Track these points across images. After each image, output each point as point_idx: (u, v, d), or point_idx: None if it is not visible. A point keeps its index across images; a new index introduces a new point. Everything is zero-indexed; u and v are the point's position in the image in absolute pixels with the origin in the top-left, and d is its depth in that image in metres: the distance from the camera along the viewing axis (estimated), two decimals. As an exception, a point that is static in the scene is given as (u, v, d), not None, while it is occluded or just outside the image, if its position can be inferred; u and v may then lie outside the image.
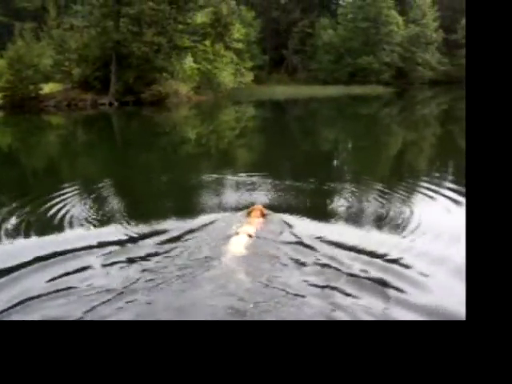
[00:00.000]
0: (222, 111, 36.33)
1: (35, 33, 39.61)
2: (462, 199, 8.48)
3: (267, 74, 59.48)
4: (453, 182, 10.53)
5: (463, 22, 61.22)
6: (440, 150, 17.40)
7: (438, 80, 60.53)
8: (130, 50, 35.68)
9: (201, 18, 42.58)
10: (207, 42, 43.44)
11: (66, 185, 10.29)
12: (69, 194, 9.37)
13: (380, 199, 8.67)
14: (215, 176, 11.12)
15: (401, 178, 11.21)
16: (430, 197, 8.98)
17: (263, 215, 7.31)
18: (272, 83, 55.41)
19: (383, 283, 5.12)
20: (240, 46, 48.77)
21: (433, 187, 9.64)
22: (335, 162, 15.26)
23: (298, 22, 61.71)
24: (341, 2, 65.49)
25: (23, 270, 5.63)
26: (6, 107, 33.34)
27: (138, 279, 5.24)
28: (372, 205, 8.36)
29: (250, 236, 6.39)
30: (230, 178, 10.96)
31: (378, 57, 58.16)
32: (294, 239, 6.46)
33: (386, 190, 9.30)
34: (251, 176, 10.84)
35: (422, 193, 9.32)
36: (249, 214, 7.38)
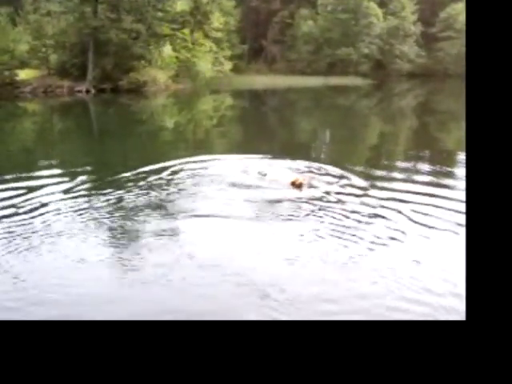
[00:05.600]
0: (200, 100, 36.27)
1: (11, 18, 39.00)
2: (438, 189, 9.14)
3: (246, 63, 59.31)
4: (427, 170, 10.98)
5: (441, 15, 61.81)
6: (416, 141, 17.72)
7: (416, 73, 60.91)
8: (107, 36, 35.33)
9: (180, 5, 42.33)
10: (186, 31, 43.20)
11: (42, 173, 10.33)
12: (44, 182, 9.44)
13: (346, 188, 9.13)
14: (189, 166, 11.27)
15: (374, 166, 11.52)
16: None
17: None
18: (251, 73, 55.30)
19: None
20: (219, 34, 48.52)
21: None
22: (311, 152, 15.42)
23: (277, 12, 61.61)
24: (321, -7, 65.48)
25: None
26: (-20, 93, 32.85)
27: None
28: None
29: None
30: (205, 166, 11.10)
31: (357, 48, 58.33)
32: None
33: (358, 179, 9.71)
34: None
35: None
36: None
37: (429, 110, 30.64)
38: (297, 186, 8.93)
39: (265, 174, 9.67)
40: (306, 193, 8.65)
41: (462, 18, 60.29)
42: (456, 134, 19.83)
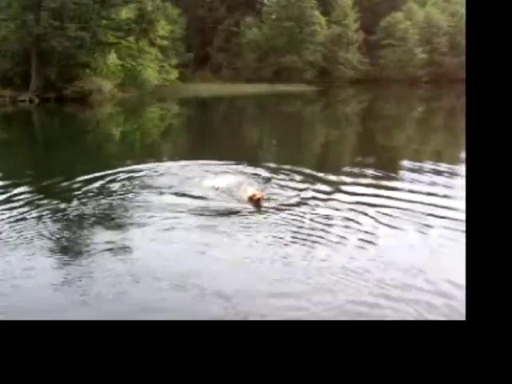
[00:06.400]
0: (147, 109, 36.10)
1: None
2: (381, 190, 9.76)
3: (192, 71, 59.30)
4: (373, 173, 11.52)
5: (382, 24, 63.56)
6: (361, 146, 18.25)
7: (359, 79, 62.38)
8: (51, 44, 34.57)
9: (125, 13, 41.92)
10: (131, 38, 42.79)
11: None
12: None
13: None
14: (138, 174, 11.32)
15: (324, 171, 11.93)
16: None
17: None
18: (197, 81, 55.34)
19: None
20: (165, 42, 48.35)
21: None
22: (259, 158, 15.68)
23: (223, 20, 61.95)
24: (265, 1, 66.24)
25: None
26: None
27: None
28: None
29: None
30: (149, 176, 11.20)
31: (302, 56, 59.33)
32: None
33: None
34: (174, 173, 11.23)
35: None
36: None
37: (372, 115, 31.52)
38: (255, 201, 8.47)
39: (217, 188, 9.35)
40: (264, 206, 8.47)
41: (402, 26, 62.42)
42: (399, 138, 20.60)
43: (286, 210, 8.37)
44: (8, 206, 8.68)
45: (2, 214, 8.16)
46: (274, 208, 8.46)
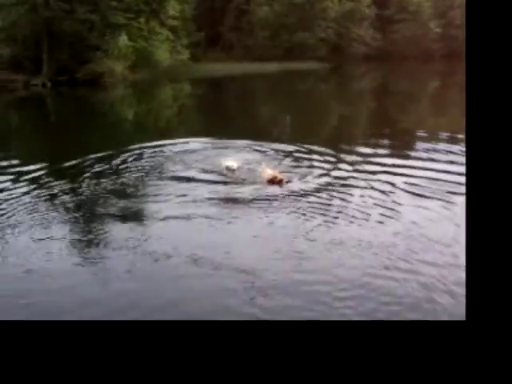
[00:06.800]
0: (159, 89, 35.99)
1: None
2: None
3: (203, 51, 58.87)
4: (390, 148, 11.50)
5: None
6: (376, 121, 18.07)
7: (372, 55, 61.57)
8: (61, 27, 34.52)
9: (134, -6, 41.66)
10: (142, 20, 42.58)
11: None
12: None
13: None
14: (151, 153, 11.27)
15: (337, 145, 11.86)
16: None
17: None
18: (209, 60, 54.94)
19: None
20: (175, 23, 47.97)
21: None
22: (274, 134, 15.54)
23: (233, -2, 61.35)
24: (276, -22, 65.35)
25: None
26: None
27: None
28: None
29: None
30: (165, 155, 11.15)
31: (314, 33, 58.59)
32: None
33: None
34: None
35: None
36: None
37: (386, 91, 31.14)
38: (275, 183, 8.30)
39: (233, 170, 9.13)
40: (286, 187, 8.29)
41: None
42: (414, 114, 20.32)
43: (305, 187, 8.31)
44: (24, 186, 8.79)
45: (19, 194, 8.25)
46: (293, 186, 8.37)
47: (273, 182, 8.34)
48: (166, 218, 7.13)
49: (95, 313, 4.64)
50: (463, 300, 3.12)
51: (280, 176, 8.46)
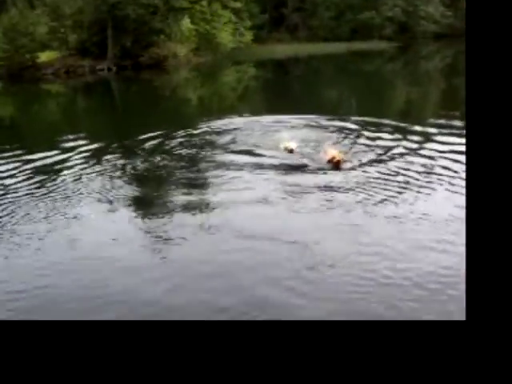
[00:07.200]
0: (223, 72, 35.85)
1: (28, 0, 38.75)
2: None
3: (267, 33, 58.37)
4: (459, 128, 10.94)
5: (466, -28, 59.76)
6: (445, 101, 17.31)
7: (442, 33, 59.23)
8: (125, 12, 34.92)
9: (197, -23, 41.60)
10: (204, 3, 42.52)
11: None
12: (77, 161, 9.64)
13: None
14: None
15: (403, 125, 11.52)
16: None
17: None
18: (272, 42, 54.46)
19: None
20: (238, 5, 47.71)
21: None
22: (339, 113, 14.99)
23: (297, -21, 60.36)
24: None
25: None
26: (4, 77, 32.76)
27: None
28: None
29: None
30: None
31: (380, 12, 56.87)
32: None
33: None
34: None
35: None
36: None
37: (456, 71, 29.72)
38: (334, 163, 8.16)
39: (291, 150, 9.00)
40: (345, 170, 8.15)
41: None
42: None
43: (368, 167, 8.16)
44: (91, 166, 9.12)
45: (87, 173, 8.64)
46: (356, 166, 8.26)
47: (331, 161, 8.23)
48: (224, 199, 7.13)
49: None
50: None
51: (338, 156, 8.26)
